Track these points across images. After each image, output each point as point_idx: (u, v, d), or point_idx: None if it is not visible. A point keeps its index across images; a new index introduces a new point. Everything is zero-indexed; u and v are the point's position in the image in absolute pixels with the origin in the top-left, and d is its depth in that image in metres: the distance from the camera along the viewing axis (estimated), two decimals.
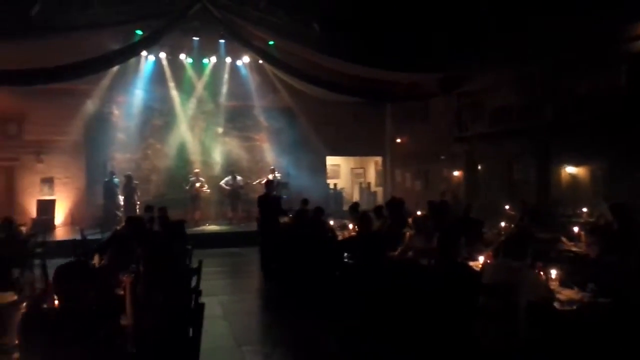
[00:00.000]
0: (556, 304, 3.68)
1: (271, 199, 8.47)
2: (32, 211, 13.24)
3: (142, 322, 3.07)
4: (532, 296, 3.54)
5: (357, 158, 19.04)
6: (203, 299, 6.75)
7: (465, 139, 11.16)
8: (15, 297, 3.48)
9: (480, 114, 10.56)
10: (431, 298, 4.39)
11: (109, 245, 4.26)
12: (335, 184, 16.89)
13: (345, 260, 5.71)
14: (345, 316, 5.40)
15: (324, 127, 15.50)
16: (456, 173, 13.03)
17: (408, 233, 5.91)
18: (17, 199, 13.44)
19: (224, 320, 6.06)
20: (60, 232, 12.32)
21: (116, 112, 14.08)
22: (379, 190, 17.37)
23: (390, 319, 4.85)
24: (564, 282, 4.01)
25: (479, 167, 12.02)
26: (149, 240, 4.39)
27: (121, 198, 12.42)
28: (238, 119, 15.10)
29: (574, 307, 3.62)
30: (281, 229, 8.07)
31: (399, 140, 16.13)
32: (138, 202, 12.50)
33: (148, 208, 8.51)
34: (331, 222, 8.06)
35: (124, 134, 14.08)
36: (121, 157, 14.13)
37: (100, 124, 13.76)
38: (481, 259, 4.86)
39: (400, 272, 4.98)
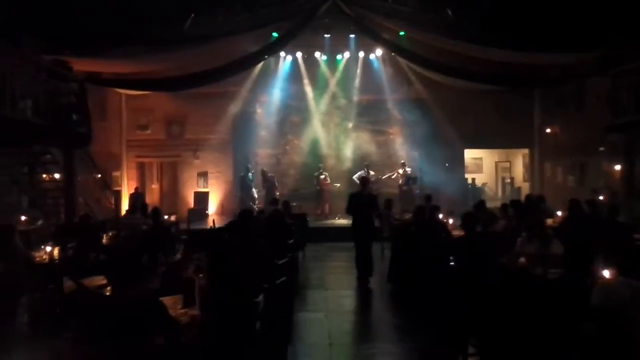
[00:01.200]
0: None
1: (365, 197, 7.61)
2: (191, 202, 14.88)
3: (206, 314, 3.15)
4: None
5: (502, 151, 17.56)
6: (312, 291, 6.94)
7: (623, 126, 9.39)
8: None
9: None
10: (536, 315, 3.77)
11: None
12: (473, 179, 15.78)
13: (452, 263, 5.24)
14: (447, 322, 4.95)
15: (462, 118, 14.58)
16: (618, 167, 11.11)
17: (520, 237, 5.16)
18: (179, 190, 15.25)
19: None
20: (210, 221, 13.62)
21: (259, 110, 15.06)
22: (525, 185, 15.72)
23: (491, 331, 4.29)
24: None
25: None
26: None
27: (255, 191, 13.20)
28: (371, 113, 15.00)
29: None
30: (396, 224, 7.77)
31: (549, 131, 14.39)
32: (277, 194, 13.12)
33: (273, 201, 8.87)
34: (450, 221, 7.52)
35: (266, 131, 15.01)
36: (263, 152, 15.10)
37: (245, 122, 14.87)
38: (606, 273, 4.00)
39: (505, 280, 4.37)
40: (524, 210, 6.57)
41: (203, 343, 2.85)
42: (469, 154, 16.76)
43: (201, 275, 3.30)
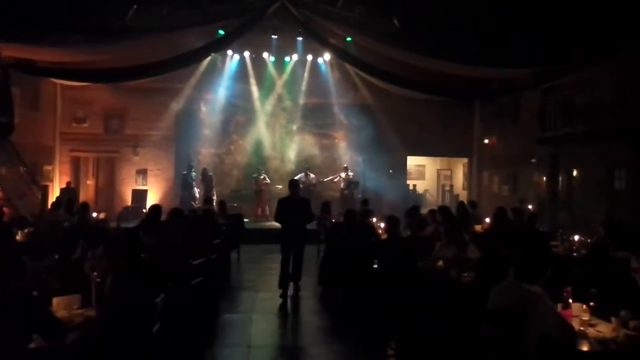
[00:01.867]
0: (584, 342, 2.97)
1: (296, 201, 6.85)
2: (128, 199, 14.35)
3: (99, 314, 2.99)
4: (547, 328, 2.88)
5: (444, 159, 18.06)
6: (242, 293, 6.84)
7: (549, 139, 9.86)
8: None
9: (568, 112, 9.23)
10: (442, 316, 3.84)
11: None
12: (414, 185, 16.12)
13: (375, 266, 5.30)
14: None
15: (406, 126, 14.95)
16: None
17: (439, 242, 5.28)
18: (116, 187, 14.68)
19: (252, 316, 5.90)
20: None
21: (203, 108, 14.78)
22: (464, 193, 16.22)
23: (406, 332, 4.36)
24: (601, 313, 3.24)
25: (574, 173, 10.59)
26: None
27: (197, 190, 12.93)
28: (316, 116, 15.06)
29: (606, 348, 2.89)
30: (329, 227, 7.77)
31: (486, 141, 14.93)
32: (214, 195, 12.90)
33: (207, 200, 8.70)
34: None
35: (210, 129, 14.75)
36: (207, 151, 14.82)
37: (188, 120, 14.55)
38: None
39: (420, 282, 4.45)
40: (450, 216, 6.73)
41: (92, 345, 2.69)
42: (413, 161, 17.15)
43: (95, 273, 3.12)
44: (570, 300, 3.31)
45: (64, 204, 8.30)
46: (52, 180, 13.79)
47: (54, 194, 13.37)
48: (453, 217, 6.81)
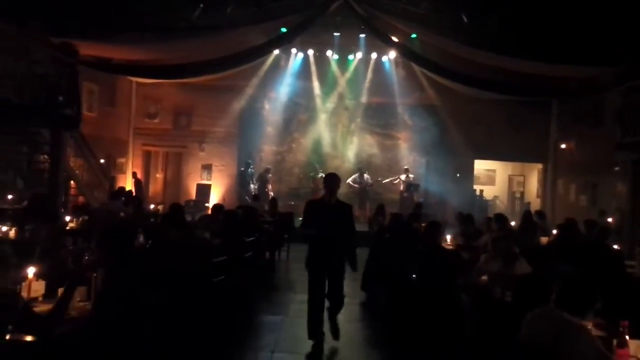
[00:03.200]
0: None
1: (331, 208, 4.74)
2: (193, 193, 14.75)
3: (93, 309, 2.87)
4: None
5: (517, 164, 16.87)
6: (280, 293, 6.62)
7: (632, 145, 8.73)
8: None
9: None
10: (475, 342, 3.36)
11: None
12: (481, 191, 15.16)
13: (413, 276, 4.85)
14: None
15: (474, 127, 14.10)
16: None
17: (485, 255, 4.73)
18: (183, 181, 15.14)
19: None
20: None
21: (266, 106, 14.83)
22: (537, 202, 15.02)
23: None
24: None
25: None
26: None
27: (253, 187, 12.98)
28: (379, 116, 14.63)
29: None
30: (375, 231, 7.37)
31: (564, 146, 13.68)
32: (271, 193, 12.94)
33: (255, 197, 8.63)
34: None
35: (272, 127, 14.78)
36: (268, 149, 14.86)
37: (252, 117, 14.66)
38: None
39: (456, 300, 3.96)
40: (505, 225, 6.08)
41: (78, 339, 2.56)
42: (483, 165, 16.20)
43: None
44: (628, 337, 2.71)
45: (121, 195, 8.54)
46: (124, 173, 14.50)
47: (126, 186, 14.11)
48: (508, 227, 6.16)
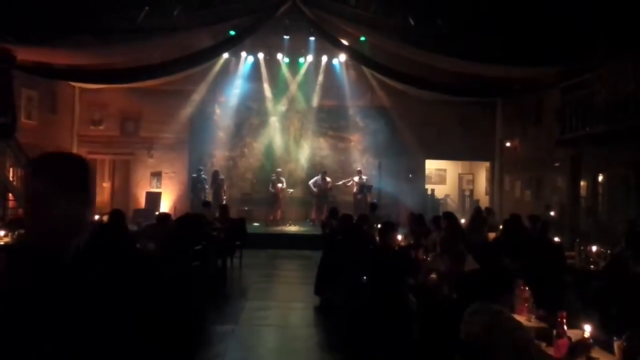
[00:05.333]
0: None
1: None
2: (143, 202, 14.25)
3: None
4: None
5: (467, 163, 17.33)
6: (237, 302, 6.47)
7: (570, 141, 9.13)
8: None
9: (589, 111, 8.49)
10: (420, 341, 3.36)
11: None
12: (433, 190, 15.49)
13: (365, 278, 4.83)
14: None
15: (424, 128, 14.39)
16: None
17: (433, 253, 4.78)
18: (132, 189, 14.59)
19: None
20: None
21: (217, 111, 14.56)
22: (486, 199, 15.47)
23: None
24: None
25: (599, 177, 9.80)
26: None
27: (207, 194, 12.72)
28: (331, 119, 14.67)
29: None
30: (327, 234, 7.33)
31: (509, 144, 14.16)
32: (225, 198, 12.71)
33: (205, 204, 8.39)
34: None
35: (224, 132, 14.52)
36: (220, 154, 14.59)
37: (202, 122, 14.34)
38: None
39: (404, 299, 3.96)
40: (454, 223, 6.17)
41: None
42: (434, 165, 16.57)
43: None
44: (566, 327, 2.76)
45: None
46: None
47: None
48: (457, 225, 6.26)
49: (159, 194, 14.32)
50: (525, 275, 3.21)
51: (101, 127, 14.47)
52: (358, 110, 14.54)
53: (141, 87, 13.64)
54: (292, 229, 12.65)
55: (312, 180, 13.34)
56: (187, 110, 14.13)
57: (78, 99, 14.32)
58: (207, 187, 12.92)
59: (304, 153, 14.57)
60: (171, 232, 5.29)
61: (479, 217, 8.28)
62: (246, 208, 13.24)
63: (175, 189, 14.52)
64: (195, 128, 14.36)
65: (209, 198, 12.49)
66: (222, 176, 13.07)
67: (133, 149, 14.53)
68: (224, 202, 12.15)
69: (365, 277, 4.77)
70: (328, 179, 13.30)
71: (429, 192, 15.28)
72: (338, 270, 5.87)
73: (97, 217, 8.98)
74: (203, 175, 13.08)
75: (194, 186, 12.93)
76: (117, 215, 5.08)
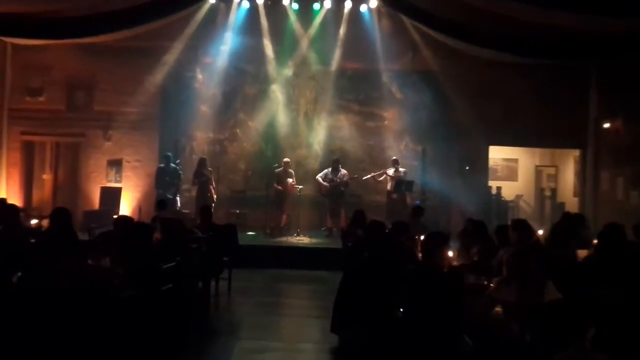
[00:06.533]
0: None
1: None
2: (97, 201, 14.42)
3: None
4: None
5: (546, 151, 17.29)
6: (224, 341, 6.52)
7: None
8: None
9: None
10: None
11: None
12: (499, 188, 15.43)
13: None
14: None
15: (487, 102, 14.30)
16: None
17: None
18: (82, 184, 14.79)
19: None
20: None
21: (199, 76, 14.71)
22: (574, 201, 15.36)
23: None
24: None
25: None
26: None
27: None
28: (358, 88, 14.72)
29: None
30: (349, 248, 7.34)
31: (607, 126, 14.00)
32: (215, 197, 12.92)
33: (160, 204, 8.66)
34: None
35: (208, 105, 14.66)
36: (203, 136, 14.76)
37: (179, 92, 14.51)
38: None
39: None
40: (527, 236, 6.12)
41: None
42: (500, 153, 16.49)
43: None
44: None
45: None
46: None
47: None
48: (532, 238, 6.21)
49: (119, 190, 14.50)
50: (630, 309, 3.17)
51: (41, 99, 14.71)
52: (394, 76, 14.51)
53: (96, 44, 13.81)
54: (302, 240, 12.67)
55: (320, 174, 13.39)
56: (158, 75, 14.23)
57: (10, 60, 14.54)
58: (177, 180, 13.08)
59: (319, 135, 14.62)
60: (135, 243, 5.34)
61: (565, 227, 8.21)
62: (237, 211, 13.30)
63: (141, 184, 14.68)
64: (168, 100, 14.51)
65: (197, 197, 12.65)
66: (210, 168, 13.20)
67: (84, 128, 14.73)
68: (213, 202, 12.31)
69: (401, 310, 4.77)
70: (343, 170, 13.30)
71: (494, 191, 15.18)
72: (364, 300, 5.85)
73: (34, 221, 9.15)
74: (173, 166, 13.15)
75: (160, 180, 13.00)
76: (61, 216, 5.13)
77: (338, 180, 13.09)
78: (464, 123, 14.17)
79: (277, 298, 9.13)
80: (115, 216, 12.42)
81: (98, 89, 14.64)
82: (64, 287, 4.13)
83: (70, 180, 14.98)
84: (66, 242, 4.65)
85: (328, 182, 13.10)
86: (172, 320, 5.55)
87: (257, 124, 14.67)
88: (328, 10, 14.19)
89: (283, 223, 13.27)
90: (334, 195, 13.09)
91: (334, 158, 13.61)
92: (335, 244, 11.32)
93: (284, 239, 12.74)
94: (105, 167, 14.75)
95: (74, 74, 14.66)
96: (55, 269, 4.32)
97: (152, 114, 14.58)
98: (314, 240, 12.75)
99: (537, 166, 17.72)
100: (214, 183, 13.18)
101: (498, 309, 4.39)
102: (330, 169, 13.24)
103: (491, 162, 15.67)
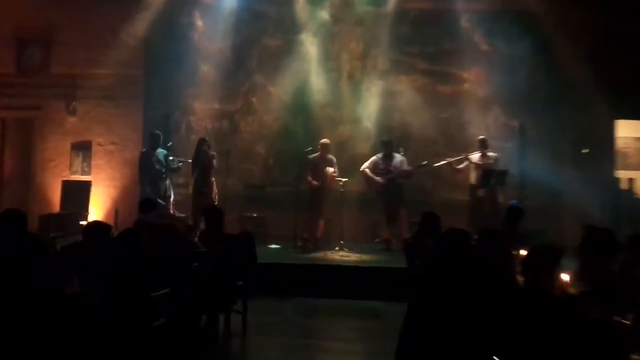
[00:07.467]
0: None
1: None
2: (57, 200, 14.63)
3: None
4: None
5: None
6: None
7: None
8: None
9: None
10: None
11: None
12: (631, 181, 15.28)
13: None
14: None
15: (611, 57, 14.22)
16: None
17: None
18: (37, 175, 15.08)
19: None
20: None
21: (199, 23, 14.91)
22: None
23: None
24: None
25: None
26: None
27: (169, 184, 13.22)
28: (425, 37, 14.85)
29: None
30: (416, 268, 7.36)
31: None
32: (215, 194, 12.95)
33: (146, 205, 8.96)
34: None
35: (213, 64, 14.81)
36: (204, 107, 15.02)
37: (170, 45, 14.70)
38: None
39: None
40: None
41: None
42: (631, 131, 16.28)
43: None
44: None
45: None
46: None
47: None
48: None
49: (87, 184, 14.75)
50: None
51: None
52: (478, 19, 14.64)
53: None
54: (347, 257, 12.66)
55: (367, 163, 13.37)
56: (140, 24, 14.45)
57: None
58: (164, 170, 13.14)
59: (369, 106, 14.72)
60: (113, 260, 5.43)
61: None
62: (255, 215, 13.43)
63: (119, 176, 14.95)
64: (155, 57, 14.76)
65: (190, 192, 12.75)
66: (213, 152, 13.21)
67: (39, 98, 15.05)
68: (215, 201, 12.35)
69: (497, 358, 4.74)
70: (398, 156, 13.28)
71: (624, 184, 15.02)
72: (440, 342, 5.86)
73: None
74: (163, 150, 13.20)
75: (145, 169, 13.15)
76: (13, 221, 5.20)
77: (394, 170, 13.03)
78: (581, 87, 14.10)
79: (309, 339, 9.16)
80: (83, 222, 12.71)
81: (59, 43, 14.90)
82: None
83: (21, 171, 15.27)
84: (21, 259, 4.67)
85: (381, 175, 13.06)
86: None
87: (280, 90, 14.83)
88: None
89: (320, 232, 13.29)
90: (391, 194, 13.06)
91: (384, 139, 13.57)
92: (394, 262, 11.36)
93: (320, 254, 12.76)
94: (69, 153, 15.03)
95: (26, 23, 14.94)
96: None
97: (133, 77, 14.81)
98: (364, 257, 12.73)
99: None
100: (214, 169, 13.15)
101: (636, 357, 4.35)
102: (380, 155, 13.21)
103: (619, 144, 15.53)
